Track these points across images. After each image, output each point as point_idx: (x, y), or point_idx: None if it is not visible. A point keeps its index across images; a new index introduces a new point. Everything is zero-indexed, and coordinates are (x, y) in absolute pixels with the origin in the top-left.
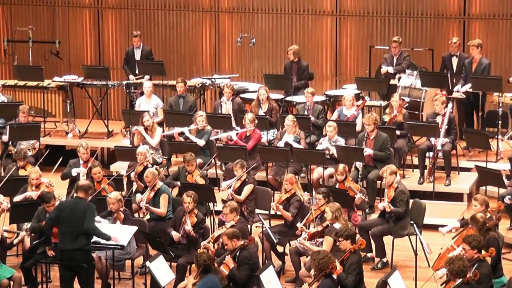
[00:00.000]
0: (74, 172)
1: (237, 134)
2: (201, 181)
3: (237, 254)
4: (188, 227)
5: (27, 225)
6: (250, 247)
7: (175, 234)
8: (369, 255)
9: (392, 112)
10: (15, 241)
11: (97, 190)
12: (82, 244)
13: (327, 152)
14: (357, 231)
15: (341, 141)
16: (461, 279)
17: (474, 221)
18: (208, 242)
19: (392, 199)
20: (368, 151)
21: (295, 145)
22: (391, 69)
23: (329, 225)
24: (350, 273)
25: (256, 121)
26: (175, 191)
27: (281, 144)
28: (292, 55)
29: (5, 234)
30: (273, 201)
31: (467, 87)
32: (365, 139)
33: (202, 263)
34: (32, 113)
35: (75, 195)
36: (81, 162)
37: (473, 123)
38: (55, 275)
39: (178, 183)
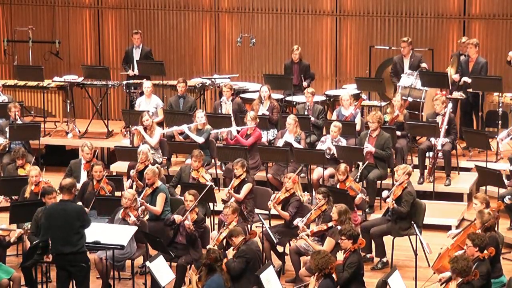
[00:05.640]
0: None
1: (238, 131)
2: (207, 177)
3: (239, 248)
4: (188, 222)
5: (27, 225)
6: (250, 242)
7: (177, 217)
8: (368, 255)
9: (393, 112)
10: (12, 239)
11: (96, 189)
12: (77, 247)
13: (327, 151)
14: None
15: (343, 142)
16: (461, 279)
17: (481, 214)
18: (214, 246)
19: (398, 197)
20: (369, 147)
21: (296, 144)
22: (466, 79)
23: (334, 226)
24: (346, 270)
25: (258, 120)
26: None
27: (281, 142)
28: (298, 55)
29: (0, 232)
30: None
31: (468, 80)
32: (367, 136)
33: (210, 260)
34: (32, 113)
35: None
36: (83, 162)
37: (472, 123)
38: (55, 275)
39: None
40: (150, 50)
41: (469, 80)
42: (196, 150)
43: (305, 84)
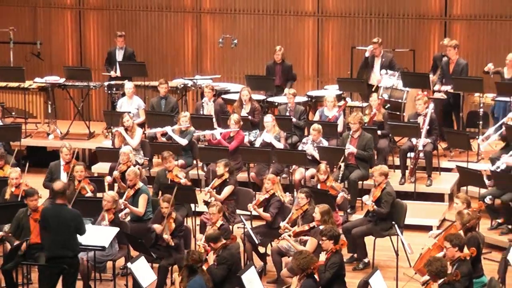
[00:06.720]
0: None
1: (221, 133)
2: (181, 175)
3: (219, 253)
4: (167, 236)
5: (7, 227)
6: (231, 246)
7: (157, 227)
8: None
9: (371, 111)
10: None
11: (76, 189)
12: (72, 251)
13: (308, 155)
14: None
15: (325, 144)
16: (442, 279)
17: (460, 215)
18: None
19: (377, 199)
20: (351, 148)
21: (276, 143)
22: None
23: (316, 226)
24: (328, 270)
25: (241, 123)
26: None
27: (258, 141)
28: (280, 55)
29: None
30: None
31: (448, 87)
32: (349, 137)
33: (191, 261)
34: (13, 114)
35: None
36: (63, 163)
37: (452, 123)
38: (36, 277)
39: None
40: (133, 51)
41: (449, 88)
42: (165, 152)
43: (286, 90)
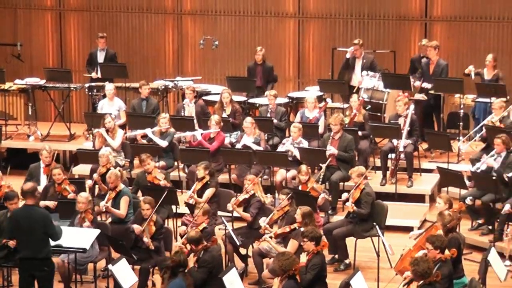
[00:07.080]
0: None
1: (201, 134)
2: (161, 177)
3: (200, 255)
4: (147, 239)
5: None
6: (212, 249)
7: (136, 227)
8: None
9: (351, 112)
10: None
11: (58, 191)
12: (43, 253)
13: (289, 153)
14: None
15: (305, 143)
16: (423, 280)
17: (441, 217)
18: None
19: (357, 200)
20: (332, 149)
21: (254, 147)
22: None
23: (297, 228)
24: (309, 272)
25: (222, 124)
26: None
27: (239, 146)
28: (261, 56)
29: None
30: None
31: (429, 85)
32: (330, 138)
33: (173, 262)
34: None
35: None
36: (43, 165)
37: (433, 125)
38: (17, 280)
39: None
40: (115, 53)
41: (429, 86)
42: (142, 154)
43: (267, 93)
